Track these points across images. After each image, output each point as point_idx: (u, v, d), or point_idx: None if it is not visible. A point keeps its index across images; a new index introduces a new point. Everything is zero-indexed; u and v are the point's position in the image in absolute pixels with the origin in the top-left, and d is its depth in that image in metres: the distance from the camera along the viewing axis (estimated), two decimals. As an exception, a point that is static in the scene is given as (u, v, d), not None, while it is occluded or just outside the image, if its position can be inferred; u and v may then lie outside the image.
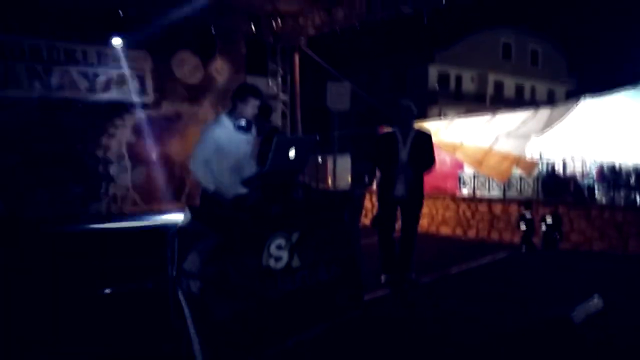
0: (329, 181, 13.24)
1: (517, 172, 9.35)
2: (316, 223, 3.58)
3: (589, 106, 9.09)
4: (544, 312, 3.31)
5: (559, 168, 9.25)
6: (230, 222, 3.05)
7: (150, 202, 8.68)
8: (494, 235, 8.93)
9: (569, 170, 9.28)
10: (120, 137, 8.51)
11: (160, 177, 8.74)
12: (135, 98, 8.63)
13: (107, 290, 4.12)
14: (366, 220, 9.07)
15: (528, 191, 9.20)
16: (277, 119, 10.98)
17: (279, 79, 10.85)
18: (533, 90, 31.56)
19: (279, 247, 3.24)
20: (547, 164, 9.22)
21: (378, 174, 5.15)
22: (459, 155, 9.99)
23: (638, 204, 8.26)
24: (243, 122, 3.65)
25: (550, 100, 29.53)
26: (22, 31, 7.47)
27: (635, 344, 3.60)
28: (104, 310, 3.84)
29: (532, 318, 3.33)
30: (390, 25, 11.06)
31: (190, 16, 8.08)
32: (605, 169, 8.93)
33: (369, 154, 5.33)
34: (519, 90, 30.96)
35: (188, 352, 2.79)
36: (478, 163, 9.69)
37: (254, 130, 3.82)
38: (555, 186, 8.95)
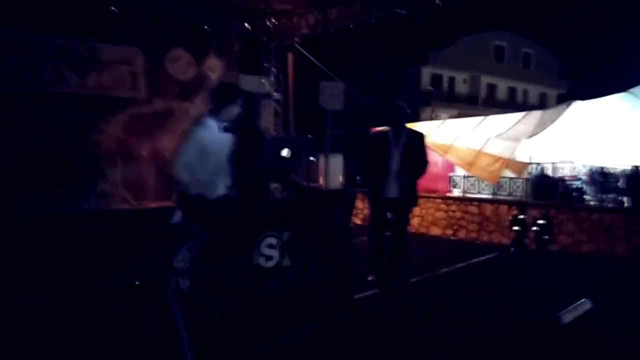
0: (321, 180, 13.24)
1: (507, 173, 9.41)
2: (307, 222, 3.58)
3: (579, 110, 9.19)
4: (532, 312, 3.34)
5: (548, 171, 9.33)
6: (222, 220, 3.04)
7: (140, 199, 8.62)
8: (484, 236, 8.99)
9: (558, 173, 9.37)
10: (110, 133, 8.44)
11: (150, 174, 8.69)
12: (127, 94, 8.58)
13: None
14: (357, 220, 9.13)
15: (518, 192, 9.26)
16: (269, 117, 10.97)
17: (273, 78, 10.84)
18: (525, 93, 31.77)
19: (270, 246, 3.24)
20: (537, 166, 9.30)
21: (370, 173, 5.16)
22: (450, 157, 10.03)
23: (625, 206, 8.36)
24: (229, 124, 3.57)
25: (542, 103, 29.77)
26: (14, 25, 7.40)
27: (624, 344, 3.65)
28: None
29: (520, 318, 3.37)
30: (385, 26, 11.08)
31: (184, 13, 8.06)
32: (595, 172, 9.03)
33: (361, 153, 5.34)
34: (512, 92, 31.15)
35: (178, 351, 2.79)
36: (469, 165, 9.74)
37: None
38: (545, 188, 9.02)
